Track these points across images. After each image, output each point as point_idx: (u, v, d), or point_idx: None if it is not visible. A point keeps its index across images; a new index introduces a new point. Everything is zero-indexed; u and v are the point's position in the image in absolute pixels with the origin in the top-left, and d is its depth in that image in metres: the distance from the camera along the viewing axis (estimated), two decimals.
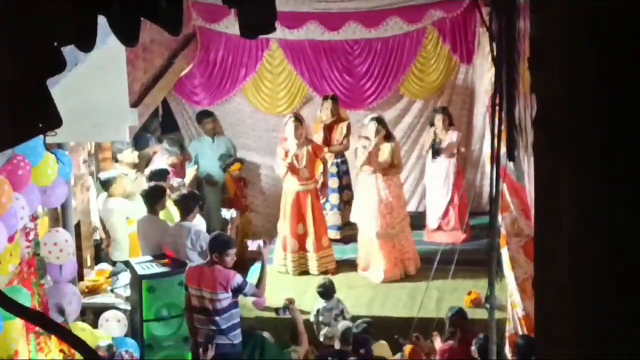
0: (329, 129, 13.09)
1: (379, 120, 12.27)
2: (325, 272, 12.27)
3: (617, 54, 2.68)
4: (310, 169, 12.38)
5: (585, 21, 2.70)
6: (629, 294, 2.72)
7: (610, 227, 2.72)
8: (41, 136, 3.09)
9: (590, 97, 2.74)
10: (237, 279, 9.36)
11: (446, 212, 13.00)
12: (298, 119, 12.35)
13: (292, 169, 12.26)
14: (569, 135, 2.79)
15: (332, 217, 13.16)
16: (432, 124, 13.08)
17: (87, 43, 3.18)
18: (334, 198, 13.23)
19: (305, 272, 12.44)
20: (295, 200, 12.36)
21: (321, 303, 10.79)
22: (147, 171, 11.78)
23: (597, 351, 2.78)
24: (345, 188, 13.33)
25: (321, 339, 10.45)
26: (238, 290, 9.36)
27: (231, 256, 9.44)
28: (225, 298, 9.32)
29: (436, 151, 12.96)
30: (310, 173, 12.39)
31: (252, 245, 10.15)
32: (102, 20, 3.35)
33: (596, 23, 2.70)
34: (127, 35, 3.53)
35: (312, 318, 10.71)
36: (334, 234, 13.15)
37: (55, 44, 2.91)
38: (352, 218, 12.66)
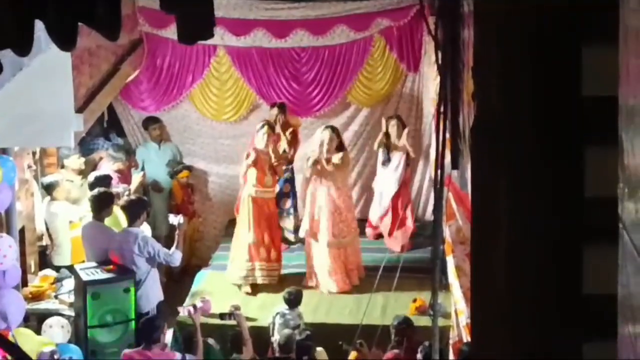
0: (275, 138, 12.96)
1: (333, 129, 12.18)
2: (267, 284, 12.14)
3: (553, 61, 2.72)
4: (272, 176, 12.27)
5: (521, 28, 2.74)
6: (564, 299, 2.76)
7: (546, 233, 2.76)
8: None
9: (526, 104, 2.77)
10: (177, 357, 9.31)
11: (393, 219, 12.97)
12: (270, 126, 12.24)
13: (258, 174, 12.16)
14: (505, 141, 2.82)
15: (287, 221, 13.10)
16: (384, 132, 13.05)
17: (23, 47, 3.17)
18: (287, 202, 13.14)
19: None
20: (254, 206, 12.11)
21: (282, 309, 10.66)
22: (91, 177, 11.69)
23: (533, 355, 2.82)
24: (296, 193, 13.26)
25: (273, 343, 10.33)
26: None
27: (164, 336, 9.41)
28: None
29: (388, 158, 12.98)
30: (272, 181, 12.30)
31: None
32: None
33: (531, 30, 2.74)
34: (64, 40, 3.51)
35: (269, 319, 10.60)
36: (292, 237, 13.13)
37: None
38: (303, 229, 12.51)
